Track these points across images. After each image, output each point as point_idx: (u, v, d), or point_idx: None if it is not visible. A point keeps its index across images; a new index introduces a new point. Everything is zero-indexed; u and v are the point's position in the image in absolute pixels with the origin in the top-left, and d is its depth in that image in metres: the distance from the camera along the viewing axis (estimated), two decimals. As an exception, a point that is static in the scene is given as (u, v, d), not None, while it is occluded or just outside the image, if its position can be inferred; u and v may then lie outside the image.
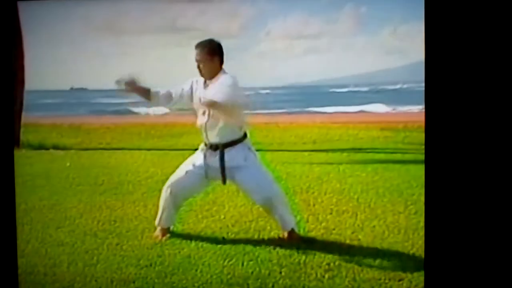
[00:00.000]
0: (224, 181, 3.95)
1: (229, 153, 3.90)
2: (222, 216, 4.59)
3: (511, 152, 2.75)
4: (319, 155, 7.86)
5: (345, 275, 3.34)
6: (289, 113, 19.11)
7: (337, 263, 3.50)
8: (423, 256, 3.60)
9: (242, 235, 4.10)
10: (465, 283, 2.94)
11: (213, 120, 3.87)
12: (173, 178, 4.05)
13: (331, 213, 4.62)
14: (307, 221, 4.40)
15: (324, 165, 6.82)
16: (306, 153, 8.03)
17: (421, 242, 3.88)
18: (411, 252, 3.73)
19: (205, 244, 3.91)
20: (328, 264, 3.50)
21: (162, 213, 4.07)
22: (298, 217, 4.37)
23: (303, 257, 3.61)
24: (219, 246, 3.87)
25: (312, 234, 4.10)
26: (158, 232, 4.10)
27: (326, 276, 3.34)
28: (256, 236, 4.07)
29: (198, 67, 3.91)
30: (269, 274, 3.39)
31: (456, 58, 2.74)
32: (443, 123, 2.76)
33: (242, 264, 3.54)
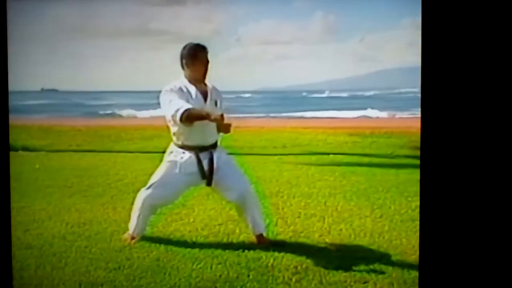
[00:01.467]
0: (210, 183, 3.93)
1: (215, 154, 3.94)
2: (192, 220, 4.58)
3: (507, 157, 2.76)
4: (289, 159, 7.90)
5: (312, 278, 3.34)
6: (259, 118, 19.15)
7: (304, 266, 3.51)
8: (388, 258, 3.66)
9: (211, 239, 4.09)
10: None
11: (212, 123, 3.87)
12: (151, 189, 3.96)
13: (299, 217, 4.65)
14: (276, 225, 4.41)
15: (293, 169, 6.85)
16: (276, 157, 8.07)
17: (386, 245, 3.92)
18: (376, 255, 3.76)
19: (174, 248, 3.88)
20: (296, 267, 3.49)
21: (137, 221, 4.02)
22: (268, 220, 4.38)
23: (271, 260, 3.61)
24: (188, 249, 3.85)
25: (281, 237, 4.11)
26: (127, 235, 4.06)
27: (294, 279, 3.34)
28: (225, 240, 4.06)
29: (206, 68, 3.94)
30: (237, 277, 3.38)
31: (452, 64, 2.74)
32: (439, 129, 2.76)
33: (211, 268, 3.52)
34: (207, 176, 3.91)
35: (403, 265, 3.52)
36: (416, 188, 5.77)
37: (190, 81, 3.92)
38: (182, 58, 3.93)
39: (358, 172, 6.70)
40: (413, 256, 3.69)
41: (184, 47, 3.92)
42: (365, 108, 24.01)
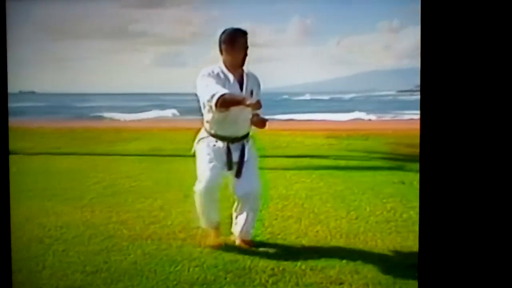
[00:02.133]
0: (239, 175, 3.91)
1: (246, 146, 3.93)
2: (169, 222, 4.55)
3: (504, 160, 2.75)
4: (267, 161, 7.88)
5: (289, 280, 3.35)
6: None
7: (281, 267, 3.51)
8: (364, 259, 3.67)
9: (188, 241, 4.06)
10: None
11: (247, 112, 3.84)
12: (204, 179, 3.87)
13: (276, 219, 4.64)
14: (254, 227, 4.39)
15: (271, 171, 6.84)
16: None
17: (361, 246, 3.94)
18: (352, 256, 3.76)
19: (151, 250, 3.85)
20: (273, 269, 3.49)
21: (211, 212, 3.96)
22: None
23: (248, 262, 3.60)
24: (165, 252, 3.83)
25: (258, 239, 4.10)
26: (213, 241, 3.97)
27: (270, 281, 3.34)
28: (203, 242, 4.03)
29: (245, 54, 3.85)
30: (214, 280, 3.36)
31: (451, 66, 2.72)
32: (438, 131, 2.75)
33: (188, 270, 3.50)
34: (237, 168, 3.88)
35: (378, 265, 3.54)
36: (391, 189, 5.84)
37: (227, 67, 3.84)
38: (220, 43, 3.84)
39: (335, 174, 6.72)
40: (388, 256, 3.73)
41: (223, 32, 3.84)
42: (344, 111, 24.10)
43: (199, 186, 3.88)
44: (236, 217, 4.01)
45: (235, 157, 3.88)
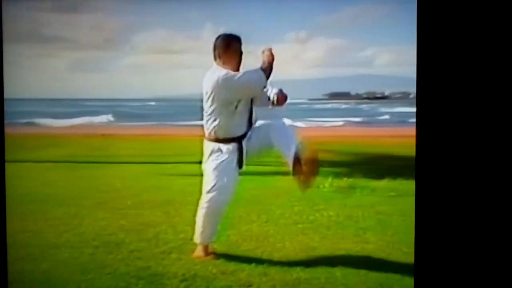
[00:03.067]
0: (241, 165, 3.85)
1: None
2: (82, 230, 4.46)
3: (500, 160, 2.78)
4: (183, 167, 7.88)
5: (199, 284, 3.38)
6: (156, 126, 18.96)
7: (192, 272, 3.53)
8: (271, 261, 3.75)
9: (101, 249, 4.01)
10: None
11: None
12: (214, 194, 3.83)
13: (190, 225, 4.64)
14: (166, 233, 4.40)
15: (186, 177, 6.84)
16: (170, 165, 8.03)
17: (270, 248, 4.02)
18: (263, 257, 3.84)
19: (64, 259, 3.78)
20: (184, 274, 3.50)
21: (211, 228, 3.88)
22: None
23: (160, 268, 3.60)
24: (77, 260, 3.76)
25: (171, 245, 4.10)
26: (200, 252, 3.85)
27: (182, 286, 3.36)
28: (115, 250, 3.98)
29: (240, 59, 3.81)
30: (126, 287, 3.34)
31: (447, 68, 2.73)
32: (433, 135, 2.77)
33: (100, 278, 3.46)
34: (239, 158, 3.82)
35: (285, 267, 3.63)
36: (299, 192, 5.96)
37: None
38: (215, 48, 3.79)
39: (250, 179, 6.80)
40: (294, 257, 3.83)
41: (217, 38, 3.80)
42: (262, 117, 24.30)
43: (216, 200, 3.84)
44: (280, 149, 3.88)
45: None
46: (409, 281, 3.33)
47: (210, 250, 3.87)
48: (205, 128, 3.85)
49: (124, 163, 8.34)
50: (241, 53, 3.83)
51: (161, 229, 4.49)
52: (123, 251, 3.95)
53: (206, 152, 3.87)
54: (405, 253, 3.89)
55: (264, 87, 3.79)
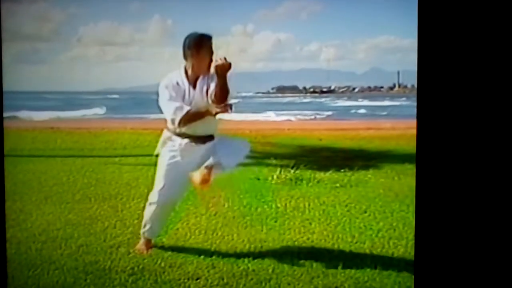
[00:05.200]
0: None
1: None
2: (29, 225, 4.39)
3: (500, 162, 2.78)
4: (129, 160, 7.81)
5: (148, 278, 3.39)
6: (101, 119, 18.63)
7: (140, 266, 3.54)
8: (219, 253, 3.79)
9: (49, 244, 3.95)
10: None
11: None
12: (163, 191, 3.79)
13: (138, 218, 4.62)
14: (114, 227, 4.37)
15: (133, 171, 6.80)
16: (116, 159, 7.94)
17: (218, 241, 4.06)
18: (211, 249, 3.88)
19: (10, 255, 3.68)
20: (132, 268, 3.50)
21: (158, 224, 3.86)
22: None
23: (108, 263, 3.59)
24: (24, 256, 3.71)
25: (119, 239, 4.08)
26: (141, 246, 3.84)
27: (130, 280, 3.36)
28: (63, 245, 3.94)
29: (211, 59, 3.65)
30: (74, 282, 3.32)
31: (447, 67, 2.69)
32: (435, 132, 2.74)
33: (48, 273, 3.43)
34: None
35: (233, 259, 3.69)
36: (247, 185, 6.00)
37: (187, 74, 3.68)
38: (185, 48, 3.64)
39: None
40: (242, 250, 3.88)
41: (187, 37, 3.65)
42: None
43: (154, 197, 3.82)
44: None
45: (205, 156, 3.75)
46: (351, 269, 3.51)
47: (152, 243, 3.88)
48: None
49: (69, 156, 8.19)
50: (211, 52, 3.68)
51: (109, 223, 4.47)
52: (71, 246, 3.92)
53: (161, 139, 3.83)
54: (348, 242, 4.02)
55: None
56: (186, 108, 3.61)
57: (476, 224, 2.77)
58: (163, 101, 3.67)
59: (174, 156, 3.75)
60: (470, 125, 2.74)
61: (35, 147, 9.19)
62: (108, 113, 21.94)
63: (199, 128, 3.71)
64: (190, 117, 3.62)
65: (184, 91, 3.67)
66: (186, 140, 3.72)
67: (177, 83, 3.68)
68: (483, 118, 2.73)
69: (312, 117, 21.90)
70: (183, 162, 3.73)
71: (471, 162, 2.75)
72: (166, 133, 3.79)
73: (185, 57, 3.69)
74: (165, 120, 3.76)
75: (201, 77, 3.68)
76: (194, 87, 3.68)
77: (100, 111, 23.64)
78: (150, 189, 5.67)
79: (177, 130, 3.71)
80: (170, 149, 3.76)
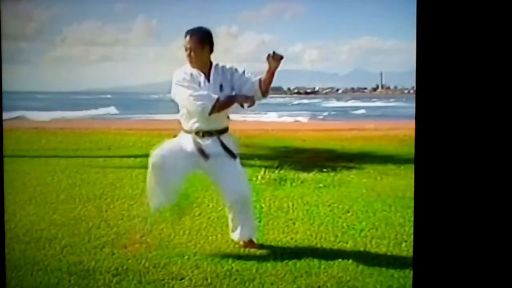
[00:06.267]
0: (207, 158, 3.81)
1: (224, 139, 3.81)
2: (13, 226, 4.34)
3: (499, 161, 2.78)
4: (113, 161, 7.78)
5: (132, 278, 3.38)
6: (85, 119, 18.52)
7: (125, 267, 3.53)
8: (203, 253, 3.79)
9: (32, 245, 3.93)
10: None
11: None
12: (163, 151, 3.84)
13: (122, 219, 4.62)
14: (99, 227, 4.36)
15: (117, 171, 6.77)
16: (101, 159, 7.91)
17: (202, 241, 4.06)
18: (195, 250, 3.88)
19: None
20: (116, 268, 3.50)
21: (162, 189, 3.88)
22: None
23: (93, 263, 3.58)
24: (8, 257, 3.60)
25: (104, 239, 4.07)
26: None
27: (114, 280, 3.35)
28: (47, 245, 3.91)
29: (189, 55, 3.71)
30: (58, 283, 3.30)
31: (446, 67, 2.69)
32: (433, 133, 2.74)
33: (31, 275, 3.41)
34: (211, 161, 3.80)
35: (217, 259, 3.70)
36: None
37: (195, 68, 3.73)
38: (186, 42, 3.72)
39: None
40: (227, 250, 3.89)
41: (187, 32, 3.71)
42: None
43: (155, 157, 3.82)
44: (234, 222, 3.94)
45: (214, 149, 3.80)
46: (334, 268, 3.53)
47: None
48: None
49: (53, 156, 8.13)
50: (211, 44, 3.78)
51: (93, 223, 4.45)
52: (55, 247, 3.89)
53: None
54: (331, 242, 4.05)
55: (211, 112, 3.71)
56: (215, 95, 3.66)
57: (474, 223, 2.79)
58: (185, 93, 3.69)
59: (178, 140, 3.87)
60: (468, 126, 2.76)
61: (18, 148, 9.11)
62: (93, 113, 21.85)
63: (209, 122, 3.75)
64: (221, 104, 3.68)
65: (200, 82, 3.72)
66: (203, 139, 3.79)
67: (191, 74, 3.73)
68: (481, 119, 2.75)
69: (321, 117, 21.89)
70: (185, 150, 3.81)
71: (469, 163, 2.78)
72: (182, 135, 3.89)
73: (187, 51, 3.75)
74: (179, 121, 3.87)
75: (213, 70, 3.77)
76: (208, 79, 3.75)
77: (113, 110, 23.56)
78: (134, 189, 5.74)
79: (194, 127, 3.78)
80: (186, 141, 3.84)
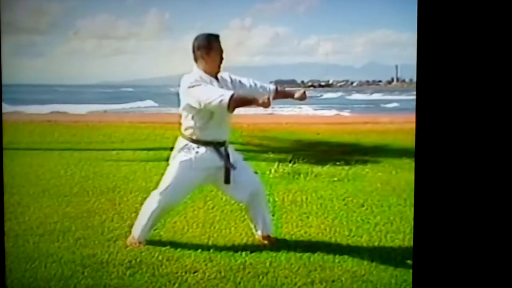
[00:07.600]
0: (228, 180, 3.75)
1: (230, 150, 3.81)
2: (27, 218, 4.40)
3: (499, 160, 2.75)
4: (126, 154, 7.82)
5: (145, 271, 3.39)
6: (98, 112, 18.61)
7: (138, 259, 3.53)
8: (217, 247, 3.79)
9: (46, 237, 3.96)
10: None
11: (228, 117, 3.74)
12: (165, 193, 3.76)
13: (135, 212, 4.61)
14: (112, 220, 4.38)
15: (131, 164, 6.80)
16: (114, 152, 7.95)
17: (216, 234, 4.06)
18: (208, 243, 3.88)
19: (8, 248, 3.68)
20: (130, 261, 3.50)
21: (147, 224, 3.79)
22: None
23: (106, 256, 3.59)
24: (22, 249, 3.71)
25: (117, 232, 4.08)
26: (132, 239, 3.82)
27: (128, 273, 3.36)
28: (61, 238, 3.94)
29: (222, 58, 3.70)
30: (71, 275, 3.32)
31: (447, 64, 2.68)
32: (434, 128, 2.73)
33: (45, 266, 3.43)
34: (226, 172, 3.73)
35: (231, 252, 3.69)
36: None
37: (208, 71, 3.69)
38: (195, 50, 3.67)
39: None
40: (239, 243, 3.88)
41: (196, 38, 3.67)
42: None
43: (154, 197, 3.80)
44: (252, 219, 3.94)
45: (221, 162, 3.74)
46: (348, 262, 3.51)
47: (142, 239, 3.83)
48: (182, 125, 3.79)
49: (67, 150, 8.19)
50: (221, 51, 3.72)
51: (106, 216, 4.47)
52: (69, 239, 3.92)
53: (177, 147, 3.81)
54: (345, 236, 4.03)
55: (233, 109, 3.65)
56: (230, 91, 3.58)
57: (474, 219, 2.77)
58: (202, 90, 3.60)
59: (187, 162, 3.72)
60: (468, 120, 2.74)
61: (32, 141, 9.19)
62: (106, 106, 21.95)
63: (215, 133, 3.72)
64: (239, 100, 3.56)
65: (211, 81, 3.69)
66: (202, 148, 3.71)
67: (201, 77, 3.67)
68: (482, 113, 2.73)
69: (311, 110, 21.79)
70: (195, 169, 3.72)
71: (469, 157, 2.75)
72: (181, 141, 3.78)
73: (195, 59, 3.71)
74: (180, 126, 3.79)
75: (220, 77, 3.74)
76: (217, 80, 3.72)
77: (153, 103, 23.63)
78: (147, 182, 5.75)
79: (194, 137, 3.71)
80: (185, 155, 3.73)
